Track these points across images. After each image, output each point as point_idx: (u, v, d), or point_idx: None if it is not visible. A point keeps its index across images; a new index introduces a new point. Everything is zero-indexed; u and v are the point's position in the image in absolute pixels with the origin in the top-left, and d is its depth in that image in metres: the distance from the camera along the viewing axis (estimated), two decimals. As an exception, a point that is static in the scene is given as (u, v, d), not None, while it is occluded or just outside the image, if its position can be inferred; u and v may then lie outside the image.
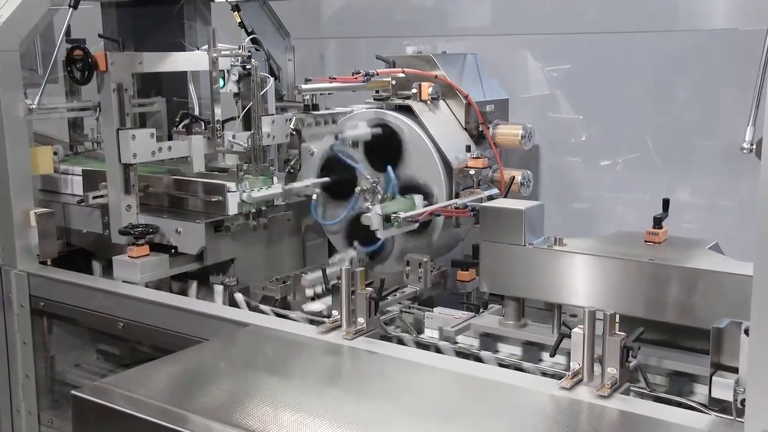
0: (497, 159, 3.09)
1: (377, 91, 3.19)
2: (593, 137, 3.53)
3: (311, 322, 2.70)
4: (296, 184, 3.20)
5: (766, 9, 2.80)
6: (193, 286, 3.18)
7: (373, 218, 2.71)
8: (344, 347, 2.30)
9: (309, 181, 3.18)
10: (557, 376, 2.13)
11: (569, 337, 1.99)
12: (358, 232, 3.03)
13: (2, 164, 3.14)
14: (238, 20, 3.61)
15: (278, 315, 2.83)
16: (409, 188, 2.99)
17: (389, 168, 2.98)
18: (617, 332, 1.96)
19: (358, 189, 3.01)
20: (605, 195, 3.52)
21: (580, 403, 1.91)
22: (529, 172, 3.10)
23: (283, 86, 3.91)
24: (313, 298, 3.03)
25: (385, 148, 3.05)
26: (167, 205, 3.28)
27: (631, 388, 2.02)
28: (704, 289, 2.13)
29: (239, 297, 3.03)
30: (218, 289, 3.10)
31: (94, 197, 3.24)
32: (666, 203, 2.49)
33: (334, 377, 2.19)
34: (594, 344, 1.96)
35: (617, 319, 1.97)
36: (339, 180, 3.15)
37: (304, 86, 3.03)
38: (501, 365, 2.38)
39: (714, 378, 1.80)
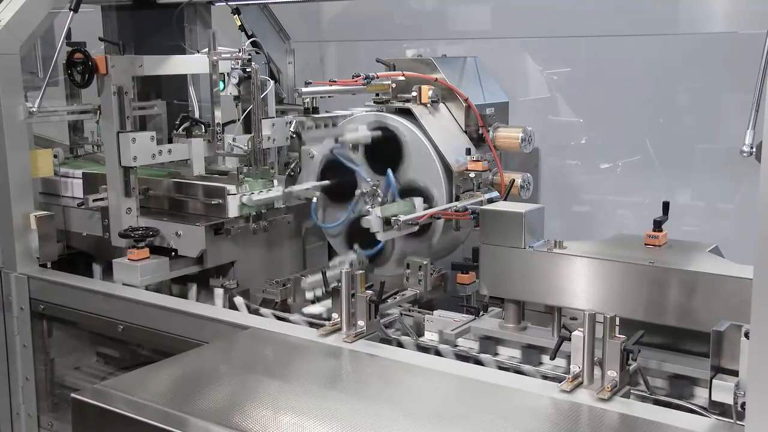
0: (497, 162, 3.10)
1: (377, 94, 3.19)
2: (593, 140, 3.53)
3: (311, 325, 2.70)
4: (296, 187, 3.20)
5: (765, 12, 2.81)
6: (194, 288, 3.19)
7: (373, 221, 2.71)
8: (344, 350, 2.30)
9: (309, 184, 3.18)
10: (557, 379, 2.12)
11: (569, 340, 1.99)
12: (358, 234, 3.03)
13: (2, 167, 3.14)
14: (239, 23, 3.61)
15: (279, 318, 2.82)
16: (409, 191, 2.99)
17: (389, 171, 2.99)
18: (617, 335, 1.96)
19: (358, 192, 3.02)
20: (605, 198, 3.52)
21: (580, 406, 1.91)
22: (529, 175, 3.11)
23: (283, 89, 3.92)
24: (313, 301, 3.03)
25: (385, 151, 3.06)
26: (167, 207, 3.28)
27: (632, 391, 2.02)
28: (704, 292, 2.13)
29: (218, 291, 3.02)
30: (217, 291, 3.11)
31: (95, 200, 3.24)
32: (666, 206, 2.49)
33: (334, 380, 2.19)
34: (594, 347, 1.96)
35: (617, 322, 1.97)
36: (339, 183, 3.15)
37: (304, 89, 3.03)
38: (500, 368, 2.38)
39: (714, 381, 1.80)
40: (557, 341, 2.16)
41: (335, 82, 3.10)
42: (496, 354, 2.50)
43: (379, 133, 3.07)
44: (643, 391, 2.12)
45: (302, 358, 2.30)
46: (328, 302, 2.84)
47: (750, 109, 1.95)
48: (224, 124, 3.29)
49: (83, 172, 3.51)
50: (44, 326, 3.24)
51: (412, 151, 3.01)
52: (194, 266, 3.12)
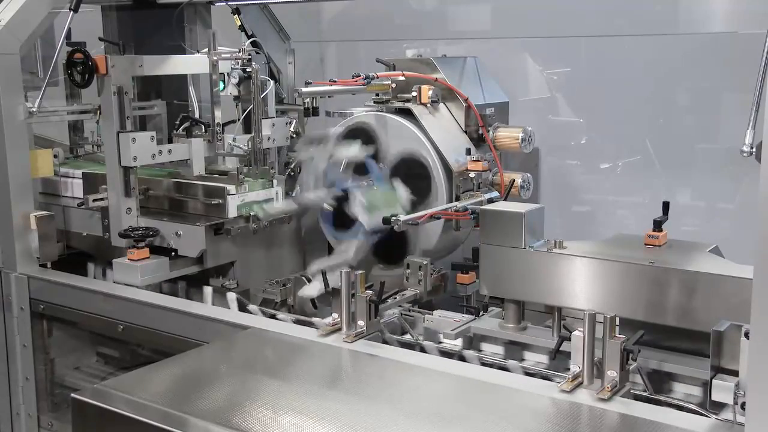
0: (497, 162, 3.10)
1: (377, 94, 3.19)
2: (593, 140, 3.53)
3: (298, 322, 2.70)
4: (309, 195, 3.19)
5: (765, 12, 2.81)
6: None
7: (357, 208, 2.71)
8: (344, 350, 2.30)
9: (321, 192, 3.16)
10: (555, 379, 2.13)
11: (569, 340, 1.99)
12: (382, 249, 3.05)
13: (2, 167, 3.14)
14: (239, 23, 3.61)
15: (270, 316, 2.82)
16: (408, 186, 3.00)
17: (369, 160, 2.99)
18: (617, 335, 1.96)
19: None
20: (605, 198, 3.52)
21: (580, 406, 1.91)
22: (529, 175, 3.11)
23: (283, 89, 3.92)
24: (314, 305, 3.04)
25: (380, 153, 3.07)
26: (167, 207, 3.29)
27: (632, 390, 2.02)
28: (704, 292, 2.13)
29: (231, 296, 3.02)
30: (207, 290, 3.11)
31: (95, 200, 3.24)
32: (666, 206, 2.49)
33: (334, 380, 2.19)
34: (594, 347, 1.96)
35: (617, 322, 1.97)
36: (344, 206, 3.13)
37: (304, 89, 3.03)
38: (500, 368, 2.38)
39: (714, 381, 1.80)
40: (557, 341, 2.16)
41: (335, 82, 3.10)
42: (522, 360, 2.47)
43: (371, 143, 3.07)
44: (644, 391, 2.12)
45: (302, 358, 2.30)
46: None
47: (750, 109, 1.95)
48: (224, 124, 3.29)
49: (83, 172, 3.51)
50: (44, 326, 3.24)
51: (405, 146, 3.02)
52: (194, 266, 3.12)
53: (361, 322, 2.36)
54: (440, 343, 2.55)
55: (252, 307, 2.95)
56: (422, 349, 2.52)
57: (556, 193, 3.57)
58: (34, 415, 3.24)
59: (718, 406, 1.83)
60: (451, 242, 3.12)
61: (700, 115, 3.26)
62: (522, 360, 2.45)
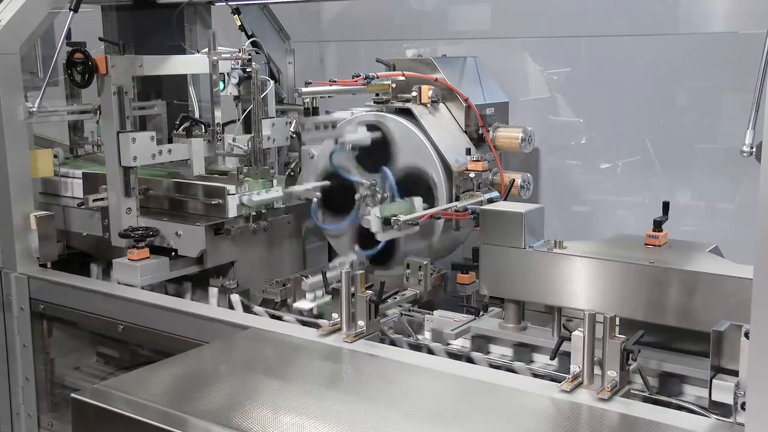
0: (497, 162, 3.10)
1: (377, 94, 3.19)
2: (593, 140, 3.53)
3: (303, 323, 2.69)
4: (296, 188, 3.20)
5: (765, 12, 2.81)
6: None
7: (372, 221, 2.71)
8: (344, 350, 2.30)
9: (309, 185, 3.17)
10: (555, 379, 2.13)
11: (569, 340, 1.99)
12: (364, 238, 3.02)
13: (2, 167, 3.14)
14: (239, 23, 3.61)
15: (272, 317, 2.82)
16: (408, 187, 2.99)
17: (385, 168, 2.98)
18: (617, 335, 1.96)
19: (358, 196, 3.01)
20: (605, 198, 3.52)
21: (580, 406, 1.91)
22: (529, 175, 3.11)
23: (283, 89, 3.92)
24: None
25: (383, 151, 3.06)
26: (167, 207, 3.29)
27: (632, 390, 2.02)
28: (704, 292, 2.13)
29: (235, 298, 3.02)
30: (213, 291, 3.11)
31: (95, 200, 3.24)
32: (666, 206, 2.49)
33: (334, 380, 2.19)
34: (594, 347, 1.96)
35: (617, 322, 1.97)
36: (339, 192, 3.13)
37: (304, 89, 3.03)
38: (499, 368, 2.38)
39: (714, 381, 1.80)
40: (557, 341, 2.16)
41: (335, 82, 3.10)
42: (531, 362, 2.46)
43: (378, 133, 3.07)
44: (644, 391, 2.12)
45: (302, 358, 2.30)
46: (321, 299, 2.83)
47: (750, 109, 1.95)
48: (224, 124, 3.29)
49: (83, 172, 3.52)
50: (44, 326, 3.24)
51: (411, 151, 3.01)
52: (194, 266, 3.12)
53: (361, 322, 2.37)
54: (448, 344, 2.55)
55: (258, 309, 2.95)
56: (430, 351, 2.52)
57: (556, 193, 3.57)
58: (34, 415, 3.24)
59: (718, 406, 1.83)
60: (451, 242, 3.12)
61: (700, 115, 3.26)
62: (530, 362, 2.45)
